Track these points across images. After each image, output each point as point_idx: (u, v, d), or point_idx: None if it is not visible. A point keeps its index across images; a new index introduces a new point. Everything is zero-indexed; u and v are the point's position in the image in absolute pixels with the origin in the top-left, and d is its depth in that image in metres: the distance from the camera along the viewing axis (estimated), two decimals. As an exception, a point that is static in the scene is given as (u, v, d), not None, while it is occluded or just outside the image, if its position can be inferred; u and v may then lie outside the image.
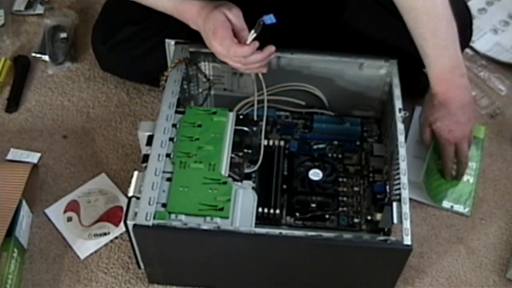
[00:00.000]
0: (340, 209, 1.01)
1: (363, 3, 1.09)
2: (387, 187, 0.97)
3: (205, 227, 0.83)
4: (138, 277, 1.00)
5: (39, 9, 1.41)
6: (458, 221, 1.09)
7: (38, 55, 1.31)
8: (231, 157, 0.92)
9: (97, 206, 1.08)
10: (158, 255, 0.90)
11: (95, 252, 1.03)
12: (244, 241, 0.85)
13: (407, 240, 0.83)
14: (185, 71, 1.02)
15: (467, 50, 1.32)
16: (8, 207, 0.98)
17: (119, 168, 1.14)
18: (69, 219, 1.07)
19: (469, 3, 1.31)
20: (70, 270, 1.01)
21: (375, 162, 1.06)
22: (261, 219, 0.96)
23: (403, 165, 0.90)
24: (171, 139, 0.92)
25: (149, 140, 0.91)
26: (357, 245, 0.85)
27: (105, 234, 1.05)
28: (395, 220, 0.85)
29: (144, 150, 0.92)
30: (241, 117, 0.97)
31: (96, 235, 1.05)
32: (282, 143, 1.08)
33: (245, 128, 0.96)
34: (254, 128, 0.97)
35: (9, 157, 1.14)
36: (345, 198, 1.02)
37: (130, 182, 0.86)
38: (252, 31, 0.91)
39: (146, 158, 0.89)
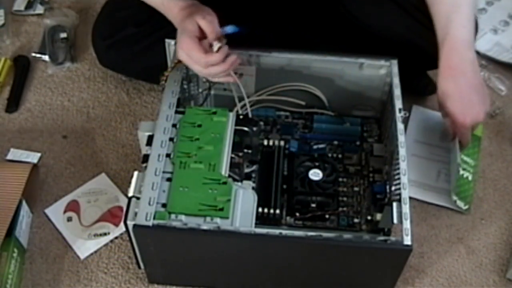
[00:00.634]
0: (340, 209, 1.01)
1: None
2: (387, 187, 0.97)
3: (205, 227, 0.83)
4: (138, 277, 1.00)
5: (39, 9, 1.41)
6: (458, 221, 1.09)
7: (38, 55, 1.31)
8: (231, 157, 0.92)
9: (97, 206, 1.08)
10: (158, 255, 0.90)
11: (95, 252, 1.03)
12: (244, 241, 0.85)
13: (407, 240, 0.83)
14: (185, 71, 1.02)
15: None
16: (8, 207, 0.98)
17: (119, 168, 1.14)
18: (69, 219, 1.07)
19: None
20: (70, 270, 1.01)
21: (375, 162, 1.06)
22: (261, 219, 0.96)
23: (403, 165, 0.90)
24: (171, 139, 0.92)
25: (149, 140, 0.91)
26: (357, 245, 0.85)
27: (105, 234, 1.05)
28: (395, 220, 0.85)
29: (144, 150, 0.92)
30: (241, 117, 0.97)
31: (96, 235, 1.05)
32: (282, 143, 1.08)
33: (245, 128, 0.96)
34: (254, 128, 0.97)
35: (9, 157, 1.14)
36: (345, 198, 1.02)
37: (130, 182, 0.86)
38: (216, 42, 0.92)
39: (146, 158, 0.89)
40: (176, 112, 0.95)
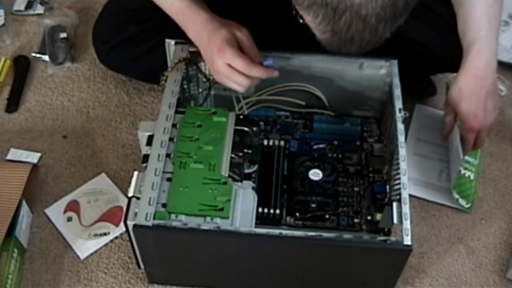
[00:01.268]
0: (340, 209, 1.01)
1: None
2: (387, 187, 0.97)
3: (205, 227, 0.83)
4: (138, 277, 1.00)
5: (39, 9, 1.41)
6: (458, 221, 1.09)
7: (38, 55, 1.31)
8: (231, 157, 0.92)
9: (97, 206, 1.08)
10: (158, 255, 0.90)
11: (95, 252, 1.03)
12: (244, 241, 0.85)
13: (407, 240, 0.83)
14: (185, 71, 1.02)
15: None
16: (8, 207, 0.98)
17: (119, 168, 1.14)
18: (69, 219, 1.07)
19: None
20: (70, 270, 1.01)
21: (375, 162, 1.06)
22: (261, 219, 0.96)
23: (403, 165, 0.90)
24: (171, 139, 0.92)
25: (149, 140, 0.91)
26: (357, 245, 0.85)
27: (105, 234, 1.05)
28: (395, 220, 0.85)
29: (144, 150, 0.92)
30: (241, 117, 0.97)
31: (96, 235, 1.05)
32: (282, 143, 1.08)
33: (245, 128, 0.96)
34: (254, 128, 0.97)
35: (9, 157, 1.14)
36: (345, 198, 1.02)
37: (130, 182, 0.86)
38: (268, 58, 0.93)
39: (146, 158, 0.89)
40: (176, 112, 0.95)
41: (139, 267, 0.97)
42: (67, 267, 1.01)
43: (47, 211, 1.07)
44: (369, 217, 0.99)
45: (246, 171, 0.94)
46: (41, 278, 1.00)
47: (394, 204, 0.87)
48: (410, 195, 0.88)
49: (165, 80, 0.98)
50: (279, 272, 0.93)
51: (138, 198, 0.85)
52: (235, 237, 0.84)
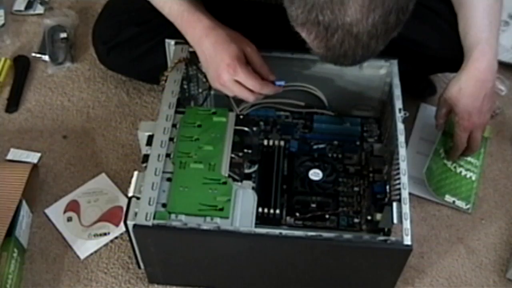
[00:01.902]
0: (340, 209, 1.01)
1: None
2: (387, 187, 0.97)
3: (205, 227, 0.83)
4: (138, 277, 1.00)
5: (39, 9, 1.41)
6: (458, 221, 1.09)
7: (38, 55, 1.31)
8: (231, 157, 0.92)
9: (97, 206, 1.08)
10: (158, 255, 0.90)
11: (95, 252, 1.03)
12: (244, 241, 0.85)
13: (407, 240, 0.83)
14: (185, 71, 1.02)
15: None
16: (8, 207, 0.98)
17: (119, 168, 1.14)
18: (69, 219, 1.07)
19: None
20: (70, 270, 1.01)
21: (375, 162, 1.06)
22: (261, 219, 0.96)
23: (403, 165, 0.90)
24: (171, 139, 0.92)
25: (149, 140, 0.91)
26: (357, 245, 0.85)
27: (105, 234, 1.05)
28: (395, 220, 0.85)
29: (144, 150, 0.92)
30: (241, 117, 0.97)
31: (96, 235, 1.05)
32: (282, 143, 1.08)
33: (245, 128, 0.96)
34: (254, 128, 0.97)
35: (9, 157, 1.14)
36: (345, 198, 1.02)
37: (130, 182, 0.86)
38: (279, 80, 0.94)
39: (146, 158, 0.89)
40: (176, 112, 0.95)
41: (139, 267, 0.97)
42: (67, 267, 1.01)
43: (47, 211, 1.07)
44: (369, 217, 0.99)
45: (246, 171, 0.94)
46: (41, 278, 1.00)
47: (394, 204, 0.87)
48: (412, 194, 0.87)
49: (165, 80, 0.98)
50: (279, 272, 0.93)
51: (138, 198, 0.85)
52: (235, 237, 0.84)
